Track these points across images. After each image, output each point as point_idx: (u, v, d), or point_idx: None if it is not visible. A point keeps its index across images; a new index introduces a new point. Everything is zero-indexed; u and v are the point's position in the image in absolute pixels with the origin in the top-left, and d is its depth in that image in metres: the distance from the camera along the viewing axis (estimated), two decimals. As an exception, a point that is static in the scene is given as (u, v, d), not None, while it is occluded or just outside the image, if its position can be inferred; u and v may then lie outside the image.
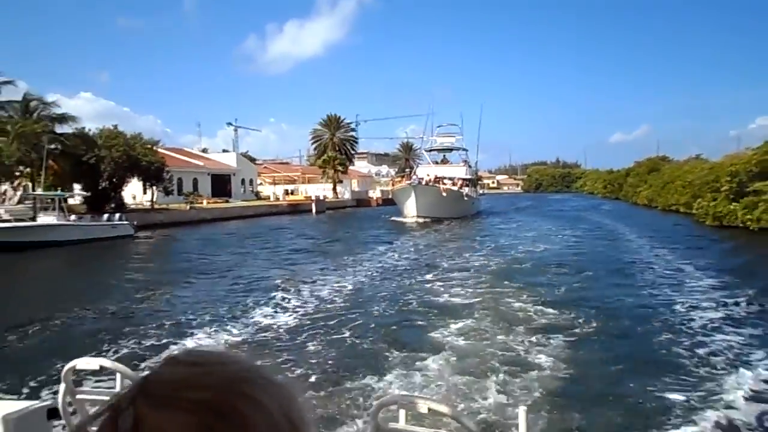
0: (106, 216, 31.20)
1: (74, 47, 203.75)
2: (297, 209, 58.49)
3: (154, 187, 41.47)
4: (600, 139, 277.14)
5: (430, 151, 60.61)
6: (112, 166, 35.35)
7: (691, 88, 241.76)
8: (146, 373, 0.57)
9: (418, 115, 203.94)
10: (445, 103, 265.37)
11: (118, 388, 2.61)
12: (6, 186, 32.57)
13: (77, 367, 2.69)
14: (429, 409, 2.01)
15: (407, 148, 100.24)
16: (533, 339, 9.74)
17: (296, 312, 12.43)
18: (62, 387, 2.71)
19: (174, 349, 8.13)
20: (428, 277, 16.85)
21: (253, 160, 79.80)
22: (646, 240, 25.66)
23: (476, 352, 9.01)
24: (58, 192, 29.46)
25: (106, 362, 2.70)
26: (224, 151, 77.35)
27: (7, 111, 33.59)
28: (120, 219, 31.29)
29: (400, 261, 21.13)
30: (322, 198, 63.60)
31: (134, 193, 43.58)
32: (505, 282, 15.27)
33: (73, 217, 29.29)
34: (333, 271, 18.65)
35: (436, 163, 58.85)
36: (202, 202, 49.39)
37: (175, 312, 12.71)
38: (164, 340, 10.06)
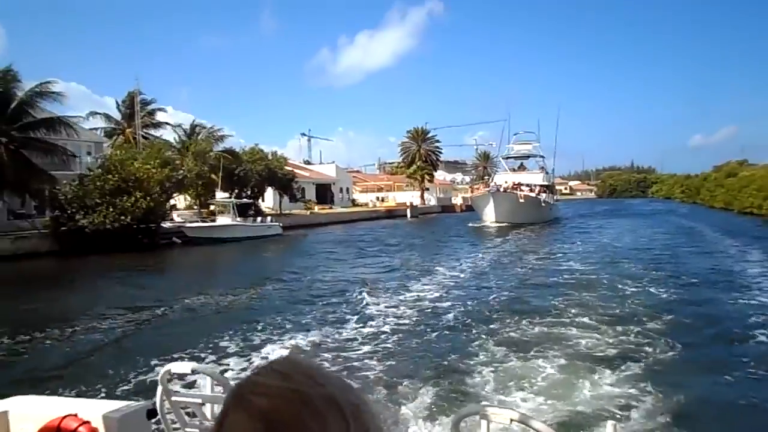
0: (259, 219, 38.84)
1: (160, 66, 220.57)
2: (392, 214, 65.47)
3: (285, 195, 49.07)
4: (678, 142, 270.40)
5: (507, 158, 62.74)
6: (257, 178, 43.19)
7: None
8: (248, 377, 0.62)
9: (488, 122, 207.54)
10: (516, 108, 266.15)
11: (208, 391, 2.89)
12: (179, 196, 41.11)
13: (172, 371, 2.89)
14: (512, 420, 1.97)
15: (485, 157, 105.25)
16: (628, 346, 9.40)
17: (384, 314, 12.82)
18: (159, 389, 2.89)
19: (268, 351, 9.70)
20: (514, 281, 17.12)
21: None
22: (719, 234, 30.52)
23: (564, 359, 8.61)
24: (232, 199, 37.44)
25: (198, 366, 2.93)
26: (320, 162, 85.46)
27: (177, 133, 42.24)
28: (272, 221, 38.94)
29: (483, 263, 22.06)
30: (413, 204, 70.27)
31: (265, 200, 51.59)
32: (596, 285, 15.29)
33: (239, 219, 36.88)
34: (424, 269, 20.60)
35: (513, 170, 60.74)
36: (314, 208, 56.91)
37: (290, 304, 14.42)
38: (265, 337, 10.83)
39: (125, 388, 7.97)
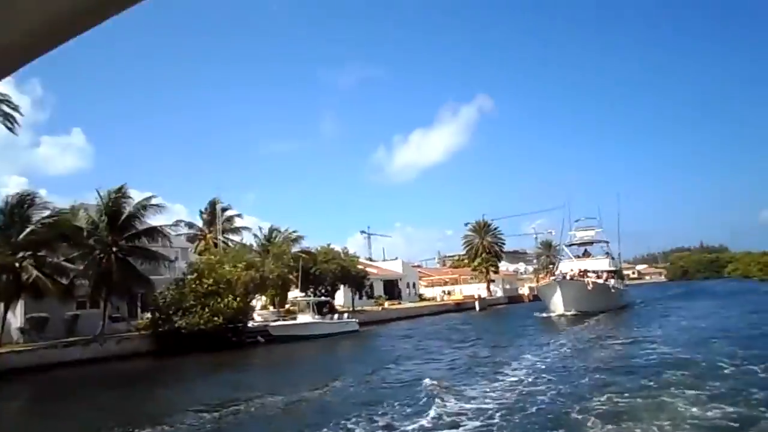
0: (336, 316, 40.17)
1: (227, 173, 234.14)
2: (461, 307, 65.46)
3: (357, 293, 50.56)
4: (748, 218, 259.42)
5: (570, 245, 61.52)
6: (332, 276, 45.03)
7: None
8: None
9: (545, 210, 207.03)
10: (574, 195, 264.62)
11: None
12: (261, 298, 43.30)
13: None
14: None
15: (547, 245, 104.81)
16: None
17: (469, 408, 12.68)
18: None
19: None
20: (598, 368, 16.80)
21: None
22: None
23: None
24: (312, 298, 39.17)
25: None
26: (384, 260, 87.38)
27: (258, 237, 45.28)
28: (348, 318, 40.21)
29: (556, 360, 21.07)
30: (480, 297, 70.27)
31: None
32: (686, 366, 15.20)
33: (317, 317, 38.29)
34: (508, 358, 21.10)
35: (578, 257, 59.10)
36: (384, 304, 57.88)
37: (363, 404, 14.37)
38: None
39: None
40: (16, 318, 30.45)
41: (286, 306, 46.01)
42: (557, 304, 43.39)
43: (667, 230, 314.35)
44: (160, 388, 21.78)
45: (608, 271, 52.68)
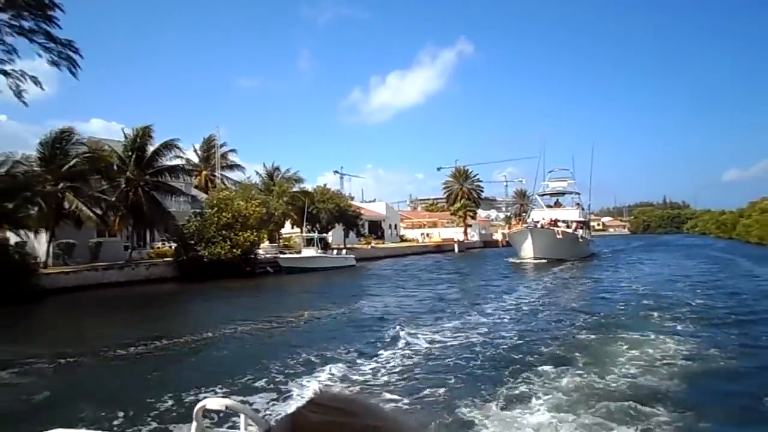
0: (335, 251, 44.02)
1: (199, 106, 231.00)
2: (441, 249, 70.27)
3: (351, 231, 54.41)
4: (712, 177, 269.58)
5: (543, 195, 62.59)
6: (328, 215, 48.61)
7: None
8: (290, 413, 0.63)
9: (517, 159, 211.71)
10: (547, 145, 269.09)
11: (242, 429, 2.79)
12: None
13: (207, 406, 2.79)
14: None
15: (521, 194, 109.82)
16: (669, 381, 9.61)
17: (423, 345, 13.40)
18: (193, 425, 2.85)
19: (300, 389, 9.82)
20: (555, 318, 17.21)
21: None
22: (751, 262, 34.84)
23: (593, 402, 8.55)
24: (316, 234, 42.83)
25: (233, 403, 2.79)
26: (363, 201, 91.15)
27: (260, 175, 48.35)
28: (346, 254, 44.13)
29: (529, 300, 22.21)
30: (459, 240, 75.03)
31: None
32: (638, 320, 15.77)
33: (320, 251, 42.03)
34: (486, 297, 22.94)
35: (549, 206, 60.11)
36: (371, 243, 61.99)
37: (325, 336, 15.19)
38: (298, 372, 11.09)
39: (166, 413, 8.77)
40: (40, 244, 33.00)
41: (281, 241, 49.79)
42: (527, 251, 45.33)
43: (632, 184, 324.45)
44: (192, 306, 25.24)
45: (577, 222, 54.28)
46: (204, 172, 61.75)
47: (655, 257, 48.17)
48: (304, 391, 9.69)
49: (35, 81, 23.79)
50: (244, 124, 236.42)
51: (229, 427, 3.17)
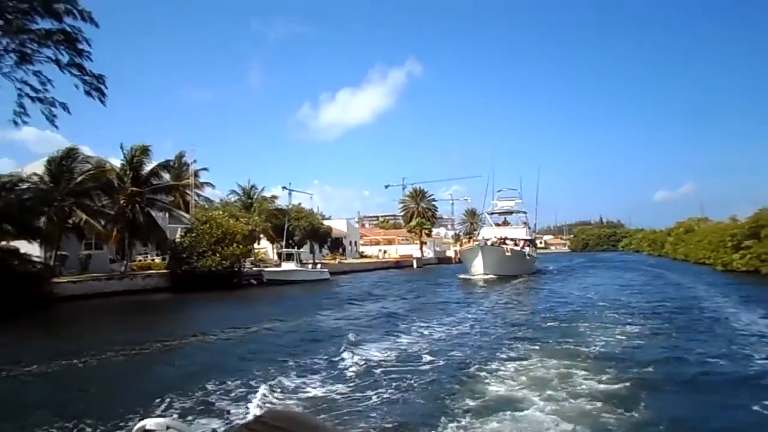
0: (310, 266, 47.36)
1: (145, 117, 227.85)
2: (400, 264, 74.46)
3: (319, 246, 57.81)
4: (644, 197, 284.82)
5: (492, 213, 64.59)
6: (301, 232, 51.94)
7: (741, 143, 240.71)
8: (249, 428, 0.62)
9: (463, 178, 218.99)
10: (485, 165, 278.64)
11: None
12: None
13: (146, 427, 3.55)
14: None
15: (471, 213, 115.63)
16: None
17: (374, 358, 13.84)
18: None
19: (248, 404, 9.86)
20: (502, 332, 17.89)
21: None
22: (677, 275, 40.38)
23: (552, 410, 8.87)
24: (295, 249, 46.06)
25: (175, 423, 3.40)
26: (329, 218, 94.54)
27: (238, 194, 51.25)
28: (321, 268, 47.56)
29: (482, 315, 23.04)
30: (416, 257, 79.51)
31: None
32: (570, 344, 15.51)
33: (299, 265, 45.23)
34: (445, 311, 24.41)
35: (498, 225, 61.96)
36: (337, 258, 65.43)
37: (288, 347, 15.68)
38: (242, 391, 10.85)
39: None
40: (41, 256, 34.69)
41: (255, 255, 52.63)
42: (478, 267, 45.95)
43: (573, 205, 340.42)
44: (183, 314, 28.02)
45: (524, 240, 56.33)
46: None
47: (598, 272, 53.54)
48: (252, 406, 9.84)
49: (65, 107, 26.49)
50: (191, 135, 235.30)
51: None
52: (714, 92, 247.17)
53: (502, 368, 12.35)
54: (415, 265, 74.19)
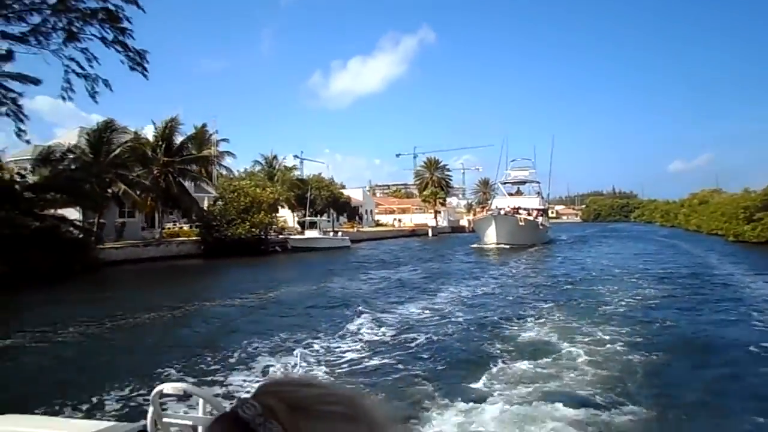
0: (332, 233, 49.10)
1: (159, 86, 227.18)
2: (415, 233, 76.20)
3: (338, 215, 59.54)
4: (658, 168, 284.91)
5: (505, 183, 65.18)
6: (322, 201, 53.58)
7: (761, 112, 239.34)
8: (262, 393, 0.60)
9: (474, 147, 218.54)
10: (495, 133, 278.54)
11: (200, 413, 2.82)
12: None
13: (164, 391, 2.81)
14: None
15: (484, 183, 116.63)
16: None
17: (386, 328, 13.72)
18: (150, 410, 2.83)
19: (253, 374, 9.65)
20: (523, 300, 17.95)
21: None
22: (690, 245, 41.72)
23: (548, 403, 8.08)
24: (318, 218, 47.77)
25: (191, 388, 2.85)
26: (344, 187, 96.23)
27: (261, 164, 52.86)
28: (343, 236, 49.31)
29: (504, 278, 24.49)
30: (431, 225, 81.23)
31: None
32: (590, 304, 16.49)
33: (322, 233, 47.00)
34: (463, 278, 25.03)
35: (511, 194, 62.44)
36: (354, 227, 67.18)
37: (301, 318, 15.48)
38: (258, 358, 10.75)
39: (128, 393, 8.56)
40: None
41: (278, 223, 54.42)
42: (491, 236, 46.51)
43: (584, 174, 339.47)
44: (221, 277, 29.81)
45: (538, 209, 56.26)
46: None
47: (611, 242, 54.68)
48: (263, 373, 9.75)
49: (106, 83, 27.89)
50: (202, 104, 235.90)
51: (186, 411, 3.11)
52: (733, 60, 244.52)
53: (528, 321, 13.90)
54: (430, 234, 76.01)
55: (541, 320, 14.08)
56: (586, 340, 11.71)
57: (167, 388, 2.82)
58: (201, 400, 2.81)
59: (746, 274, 23.71)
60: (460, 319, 14.68)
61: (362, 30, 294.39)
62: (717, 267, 27.37)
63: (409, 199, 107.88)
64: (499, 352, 11.05)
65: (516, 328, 13.30)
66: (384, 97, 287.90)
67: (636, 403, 7.87)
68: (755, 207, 42.24)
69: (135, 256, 34.00)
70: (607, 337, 11.92)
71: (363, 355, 11.15)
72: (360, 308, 16.60)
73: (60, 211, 31.16)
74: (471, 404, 8.04)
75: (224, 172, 56.52)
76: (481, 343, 11.84)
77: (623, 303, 16.61)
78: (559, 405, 7.74)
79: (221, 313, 16.66)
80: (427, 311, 16.15)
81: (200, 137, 66.06)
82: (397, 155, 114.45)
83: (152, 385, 2.93)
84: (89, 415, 7.44)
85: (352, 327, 13.90)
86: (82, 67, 26.90)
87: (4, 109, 25.52)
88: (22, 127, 26.71)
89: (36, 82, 25.79)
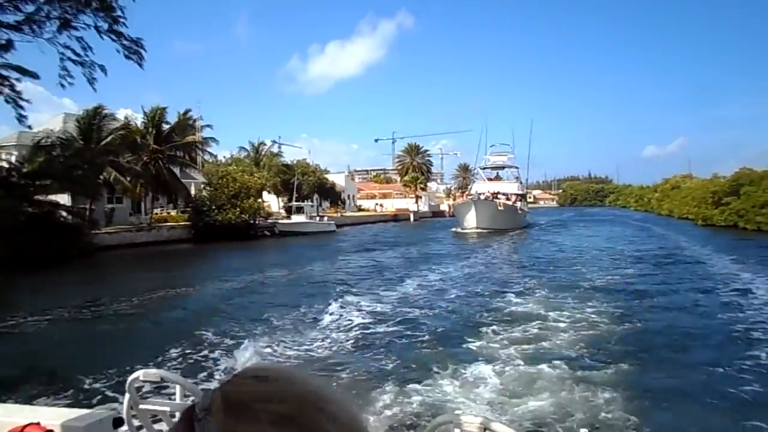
0: (318, 218, 50.16)
1: (128, 67, 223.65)
2: (397, 218, 77.59)
3: (324, 200, 60.56)
4: (632, 153, 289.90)
5: (485, 168, 65.71)
6: (309, 187, 54.52)
7: (731, 99, 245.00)
8: (219, 385, 0.60)
9: (452, 133, 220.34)
10: (479, 120, 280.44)
11: (178, 400, 2.83)
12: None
13: (140, 378, 2.79)
14: (485, 429, 1.98)
15: (464, 168, 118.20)
16: (602, 351, 9.74)
17: (369, 312, 13.70)
18: (126, 397, 2.82)
19: (238, 359, 9.54)
20: (495, 287, 17.54)
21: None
22: (662, 228, 43.75)
23: (536, 365, 8.61)
24: (305, 203, 48.76)
25: (167, 374, 2.84)
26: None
27: (247, 150, 53.55)
28: (328, 220, 50.40)
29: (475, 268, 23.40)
30: (413, 210, 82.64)
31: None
32: (572, 281, 17.49)
33: (308, 218, 48.04)
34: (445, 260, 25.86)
35: (490, 179, 62.68)
36: (338, 212, 68.21)
37: (280, 300, 15.71)
38: (237, 340, 10.78)
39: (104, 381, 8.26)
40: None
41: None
42: (471, 221, 47.04)
43: (561, 160, 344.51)
44: (211, 262, 30.38)
45: (516, 194, 56.95)
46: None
47: (589, 225, 56.64)
48: (241, 358, 9.64)
49: (102, 69, 28.39)
50: (178, 88, 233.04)
51: (164, 398, 3.14)
52: (715, 43, 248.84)
53: (515, 297, 15.22)
54: (412, 219, 77.52)
55: (527, 296, 15.44)
56: (570, 311, 13.07)
57: (143, 374, 2.83)
58: (178, 387, 2.85)
59: (713, 255, 25.49)
60: (453, 295, 16.08)
61: (339, 14, 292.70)
62: (686, 248, 29.23)
63: (389, 184, 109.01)
64: (489, 321, 12.33)
65: (503, 302, 14.62)
66: (362, 82, 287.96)
67: (615, 361, 9.13)
68: (723, 192, 44.33)
69: (128, 241, 34.72)
70: (589, 309, 13.28)
71: (360, 328, 12.02)
72: (352, 288, 17.69)
73: (51, 197, 31.73)
74: (465, 367, 8.77)
75: (208, 158, 57.07)
76: (473, 315, 13.17)
77: (603, 280, 18.19)
78: (544, 366, 8.81)
79: (214, 295, 17.18)
80: (421, 289, 17.41)
81: (183, 123, 66.80)
82: (376, 140, 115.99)
83: (130, 371, 2.94)
84: (64, 401, 7.43)
85: (344, 304, 14.72)
86: (77, 54, 27.41)
87: (1, 97, 26.05)
88: (23, 112, 27.30)
89: (35, 76, 26.18)
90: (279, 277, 21.76)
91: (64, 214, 30.92)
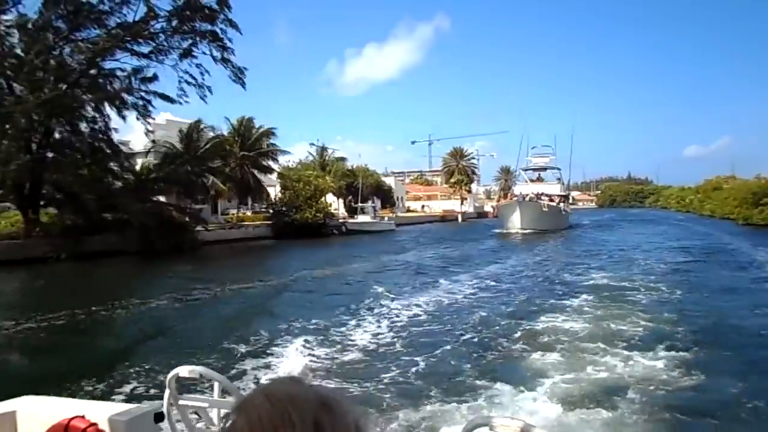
0: (379, 218, 54.69)
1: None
2: (445, 219, 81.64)
3: (379, 202, 65.12)
4: (674, 153, 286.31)
5: (527, 170, 66.03)
6: (368, 190, 59.07)
7: None
8: (264, 385, 0.69)
9: (488, 134, 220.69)
10: (516, 121, 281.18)
11: (216, 396, 2.90)
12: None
13: (180, 374, 2.89)
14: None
15: (506, 170, 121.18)
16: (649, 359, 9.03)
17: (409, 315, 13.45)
18: (167, 393, 2.93)
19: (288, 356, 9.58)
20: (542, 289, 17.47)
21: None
22: (705, 228, 46.82)
23: (580, 373, 8.24)
24: (370, 203, 53.39)
25: (206, 371, 2.91)
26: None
27: (312, 154, 58.64)
28: (388, 220, 54.88)
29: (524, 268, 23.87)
30: (460, 211, 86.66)
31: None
32: (622, 284, 17.26)
33: (372, 218, 52.65)
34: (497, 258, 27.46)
35: (532, 180, 63.63)
36: (392, 213, 72.54)
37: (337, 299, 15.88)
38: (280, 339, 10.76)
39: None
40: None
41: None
42: (515, 222, 47.72)
43: (600, 161, 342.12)
44: (295, 255, 33.62)
45: (559, 195, 58.09)
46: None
47: (632, 225, 58.58)
48: (288, 359, 9.57)
49: (209, 90, 33.52)
50: (222, 94, 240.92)
51: (204, 395, 3.22)
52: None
53: (578, 282, 18.94)
54: (459, 219, 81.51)
55: (591, 282, 18.77)
56: (638, 315, 12.52)
57: (183, 371, 2.92)
58: (216, 383, 2.92)
59: (755, 248, 28.48)
60: (511, 285, 18.57)
61: (375, 17, 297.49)
62: (729, 242, 32.68)
63: (429, 186, 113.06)
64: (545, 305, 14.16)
65: (564, 286, 18.26)
66: (399, 85, 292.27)
67: (676, 345, 9.68)
68: (763, 192, 46.98)
69: (223, 237, 39.69)
70: (663, 308, 13.40)
71: (420, 318, 13.07)
72: (417, 280, 19.81)
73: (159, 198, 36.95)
74: (513, 372, 8.57)
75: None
76: (541, 302, 14.65)
77: (658, 268, 21.38)
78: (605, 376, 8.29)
79: (293, 286, 19.16)
80: (483, 279, 19.95)
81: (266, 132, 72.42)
82: (413, 142, 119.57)
83: (173, 366, 3.03)
84: (107, 396, 7.53)
85: (413, 293, 16.56)
86: (194, 78, 32.57)
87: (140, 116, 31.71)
88: (149, 128, 32.93)
89: (172, 101, 31.72)
90: (361, 267, 24.89)
91: (175, 213, 36.03)
